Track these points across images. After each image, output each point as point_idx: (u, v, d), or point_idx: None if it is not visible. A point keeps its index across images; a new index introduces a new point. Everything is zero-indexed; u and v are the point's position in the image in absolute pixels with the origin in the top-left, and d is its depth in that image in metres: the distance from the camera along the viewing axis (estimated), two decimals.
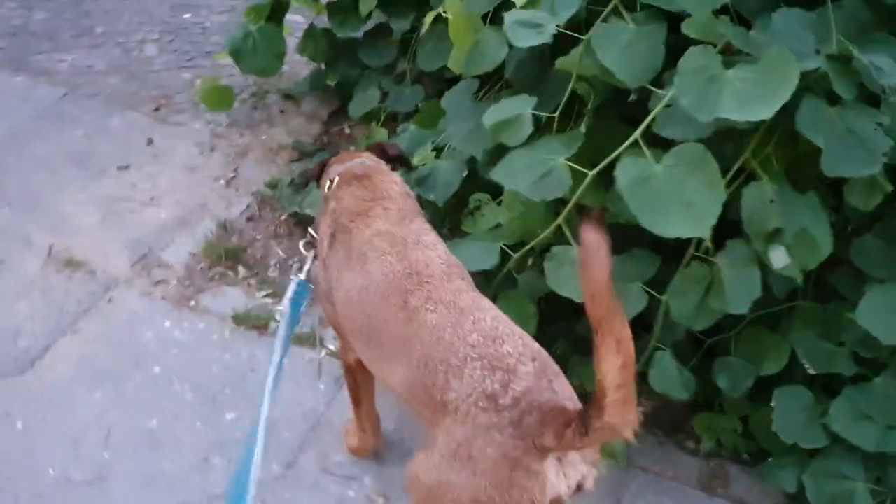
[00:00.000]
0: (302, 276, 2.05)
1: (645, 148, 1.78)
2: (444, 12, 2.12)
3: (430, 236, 1.88)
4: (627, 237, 1.99)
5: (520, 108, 2.01)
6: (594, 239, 1.21)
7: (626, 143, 1.82)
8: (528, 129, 1.99)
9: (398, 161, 2.19)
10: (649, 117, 1.81)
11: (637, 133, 1.80)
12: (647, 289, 1.99)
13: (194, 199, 3.20)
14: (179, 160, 3.37)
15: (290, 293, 2.00)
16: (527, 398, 1.49)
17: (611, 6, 1.87)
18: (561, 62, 1.97)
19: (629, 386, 1.28)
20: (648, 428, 2.55)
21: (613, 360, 1.25)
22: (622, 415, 1.30)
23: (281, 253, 3.04)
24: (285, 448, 2.36)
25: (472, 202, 2.48)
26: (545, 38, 1.90)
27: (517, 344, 1.58)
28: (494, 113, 2.03)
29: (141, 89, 3.77)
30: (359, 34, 3.39)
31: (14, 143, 3.35)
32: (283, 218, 3.18)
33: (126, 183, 3.23)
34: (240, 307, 2.77)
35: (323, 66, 3.58)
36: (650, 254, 2.05)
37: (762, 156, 1.86)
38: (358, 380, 2.17)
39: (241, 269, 2.95)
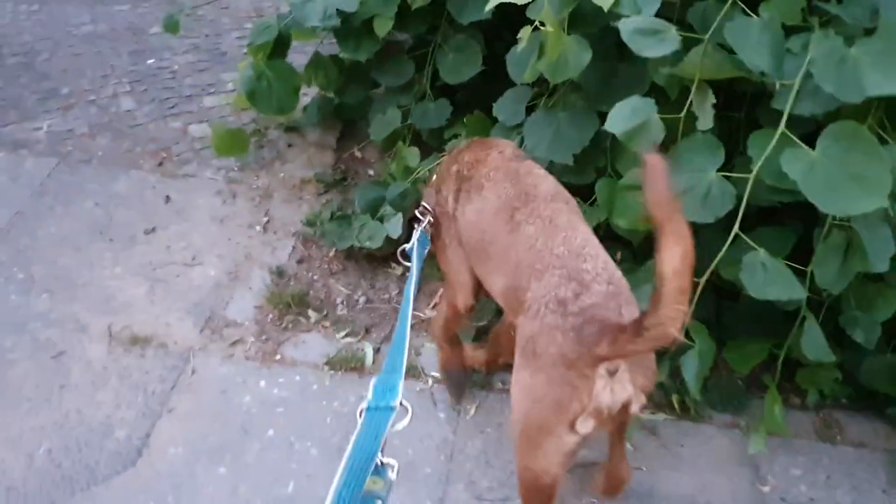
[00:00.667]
0: (420, 230, 2.20)
1: (794, 138, 1.83)
2: (542, 24, 2.11)
3: (542, 170, 2.08)
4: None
5: (643, 112, 2.02)
6: (655, 159, 1.38)
7: (776, 137, 1.86)
8: (661, 133, 2.01)
9: None
10: (787, 108, 1.86)
11: (782, 125, 1.85)
12: (788, 263, 2.04)
13: (237, 251, 3.06)
14: (205, 213, 3.22)
15: (415, 237, 2.15)
16: (591, 311, 1.63)
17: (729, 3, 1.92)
18: (687, 63, 1.98)
19: (687, 275, 1.39)
20: (754, 393, 2.65)
21: (674, 250, 1.37)
22: (677, 304, 1.40)
23: (343, 289, 2.96)
24: (431, 484, 2.31)
25: None
26: (671, 45, 1.91)
27: (598, 266, 1.73)
28: (618, 120, 2.03)
29: (135, 146, 3.57)
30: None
31: (24, 226, 3.11)
32: (332, 254, 3.09)
33: (160, 247, 3.06)
34: (328, 352, 2.69)
35: (331, 94, 3.49)
36: (783, 229, 2.11)
37: (877, 120, 1.95)
38: (455, 324, 2.44)
39: (310, 313, 2.85)
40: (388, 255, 3.03)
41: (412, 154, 3.19)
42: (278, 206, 3.29)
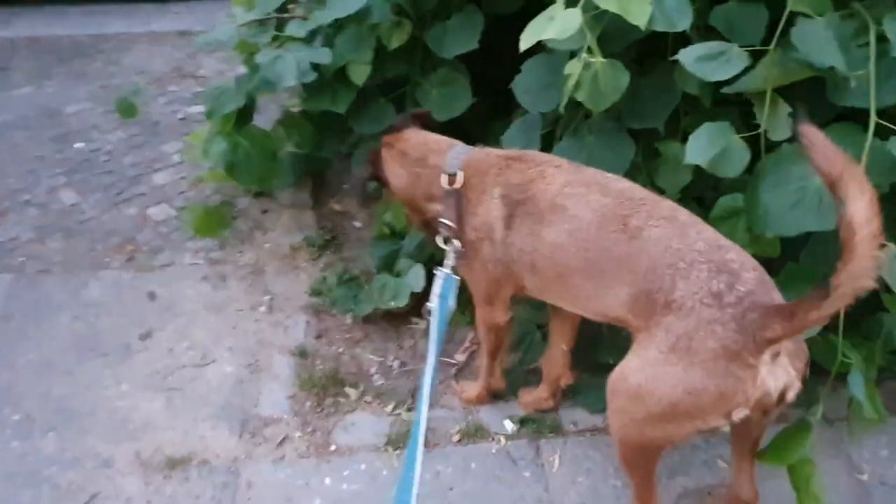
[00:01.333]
0: (447, 270, 2.17)
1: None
2: (591, 56, 2.00)
3: (610, 175, 2.05)
4: None
5: (721, 138, 1.96)
6: (808, 128, 1.51)
7: (871, 127, 1.83)
8: (746, 154, 1.95)
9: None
10: (872, 98, 1.84)
11: (873, 115, 1.83)
12: None
13: (247, 339, 2.81)
14: (198, 304, 2.95)
15: (437, 288, 2.11)
16: (750, 298, 1.66)
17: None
18: (755, 75, 1.93)
19: (877, 221, 1.43)
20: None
21: (861, 199, 1.42)
22: (872, 252, 1.43)
23: (373, 357, 2.77)
24: None
25: None
26: (739, 64, 1.86)
27: (740, 254, 1.77)
28: (698, 151, 1.96)
29: (93, 244, 3.23)
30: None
31: None
32: (349, 322, 2.89)
33: (161, 351, 2.76)
34: (383, 430, 2.50)
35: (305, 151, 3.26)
36: None
37: None
38: (503, 339, 2.41)
39: (348, 390, 2.64)
40: (406, 311, 2.86)
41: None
42: (275, 280, 3.05)
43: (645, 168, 2.42)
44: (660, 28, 2.07)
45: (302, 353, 2.76)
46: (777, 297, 1.70)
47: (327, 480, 2.36)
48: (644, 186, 2.41)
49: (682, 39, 2.26)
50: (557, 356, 2.49)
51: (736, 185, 2.31)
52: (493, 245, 2.15)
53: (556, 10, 2.03)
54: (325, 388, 2.63)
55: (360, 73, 2.84)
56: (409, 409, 2.59)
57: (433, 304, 2.15)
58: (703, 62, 1.91)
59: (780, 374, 1.68)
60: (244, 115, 2.96)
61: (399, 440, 2.46)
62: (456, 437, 2.48)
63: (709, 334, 1.67)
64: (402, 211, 3.02)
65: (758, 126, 2.05)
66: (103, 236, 3.27)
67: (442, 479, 2.36)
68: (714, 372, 1.67)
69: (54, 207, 3.43)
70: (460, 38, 2.78)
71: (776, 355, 1.67)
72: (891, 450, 2.41)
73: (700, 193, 2.39)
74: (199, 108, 4.04)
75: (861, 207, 1.42)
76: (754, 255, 1.83)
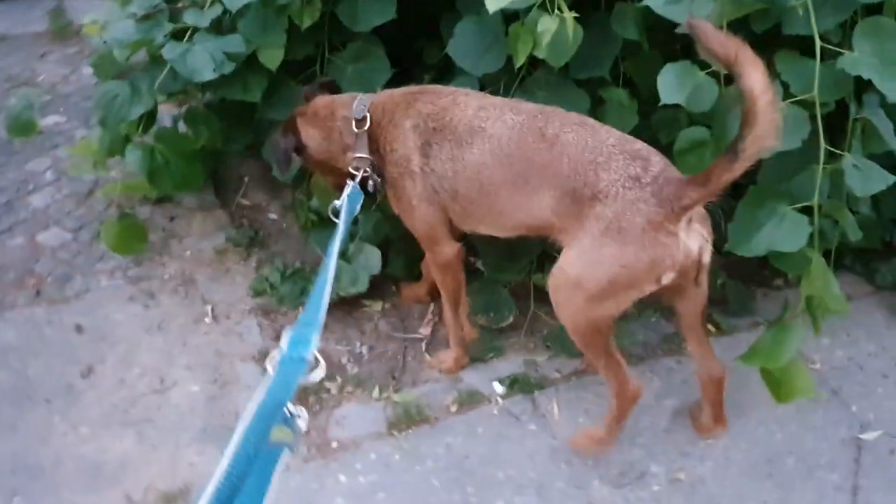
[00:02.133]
0: (355, 184, 2.23)
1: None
2: (557, 9, 2.02)
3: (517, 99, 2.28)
4: None
5: (688, 77, 2.09)
6: (695, 20, 1.78)
7: (818, 50, 2.01)
8: (715, 90, 2.11)
9: None
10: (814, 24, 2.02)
11: (817, 40, 2.01)
12: None
13: (203, 354, 2.63)
14: (135, 327, 2.70)
15: (346, 192, 2.17)
16: (663, 175, 1.92)
17: None
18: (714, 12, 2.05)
19: (772, 89, 1.69)
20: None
21: (755, 70, 1.67)
22: (773, 115, 1.69)
23: (339, 347, 2.70)
24: (571, 494, 2.25)
25: None
26: (706, 6, 2.00)
27: (643, 144, 2.02)
28: (672, 90, 2.07)
29: None
30: None
31: None
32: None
33: (112, 385, 2.52)
34: (379, 417, 2.46)
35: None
36: None
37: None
38: (458, 276, 2.47)
39: (327, 385, 2.56)
40: (356, 297, 2.80)
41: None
42: (210, 287, 2.86)
43: (591, 116, 2.51)
44: None
45: (266, 357, 2.63)
46: (677, 172, 1.96)
47: (342, 478, 2.29)
48: None
49: None
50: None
51: (668, 124, 2.49)
52: (413, 178, 2.25)
53: None
54: (303, 389, 2.53)
55: (273, 58, 2.68)
56: (396, 391, 2.57)
57: (340, 203, 2.14)
58: (671, 5, 2.01)
59: (695, 237, 1.94)
60: (150, 117, 2.73)
61: (400, 422, 2.44)
62: (454, 408, 2.50)
63: (635, 212, 1.90)
64: (326, 190, 2.94)
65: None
66: None
67: (454, 450, 2.37)
68: (644, 244, 1.90)
69: None
70: (374, 8, 2.70)
71: (689, 221, 1.93)
72: (830, 337, 2.71)
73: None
74: (56, 119, 3.69)
75: (758, 79, 1.66)
76: None
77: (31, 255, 2.97)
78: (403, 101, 2.28)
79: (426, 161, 2.22)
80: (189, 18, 2.65)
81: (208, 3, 2.70)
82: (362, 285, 2.70)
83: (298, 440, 1.21)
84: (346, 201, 2.15)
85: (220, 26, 2.70)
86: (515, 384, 2.54)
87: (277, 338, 2.71)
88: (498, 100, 2.24)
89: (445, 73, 2.72)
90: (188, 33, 2.64)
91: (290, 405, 1.23)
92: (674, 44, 2.54)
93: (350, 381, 2.59)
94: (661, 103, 2.11)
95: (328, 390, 2.55)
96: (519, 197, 2.13)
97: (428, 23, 2.87)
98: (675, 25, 2.13)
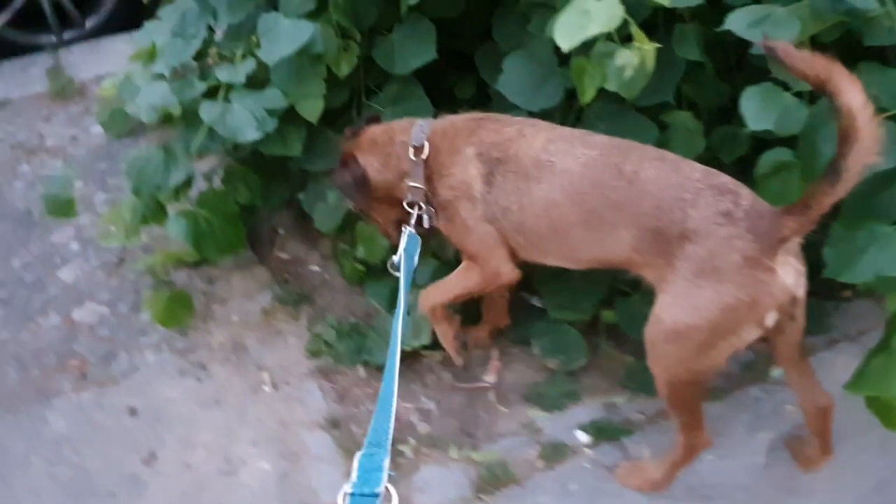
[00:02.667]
0: (411, 228, 2.17)
1: None
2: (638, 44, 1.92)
3: (585, 130, 2.15)
4: None
5: (775, 99, 1.98)
6: (776, 43, 1.70)
7: None
8: (803, 110, 1.98)
9: None
10: None
11: None
12: None
13: (266, 426, 2.50)
14: (190, 404, 2.57)
15: (403, 243, 2.11)
16: (754, 208, 1.81)
17: None
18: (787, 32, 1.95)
19: (872, 105, 1.60)
20: None
21: (853, 88, 1.58)
22: (875, 130, 1.60)
23: (407, 404, 2.56)
24: None
25: None
26: (792, 26, 1.90)
27: (728, 177, 1.90)
28: (760, 116, 1.97)
29: (26, 370, 2.70)
30: None
31: None
32: (363, 374, 2.66)
33: (176, 470, 2.38)
34: (460, 479, 2.34)
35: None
36: None
37: None
38: (489, 292, 2.44)
39: (402, 448, 2.44)
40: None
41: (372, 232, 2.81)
42: (262, 352, 2.73)
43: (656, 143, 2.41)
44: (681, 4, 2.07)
45: (333, 424, 2.51)
46: (769, 205, 1.85)
47: None
48: None
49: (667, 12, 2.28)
50: (497, 299, 2.61)
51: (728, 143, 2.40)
52: (473, 203, 2.16)
53: (587, 3, 1.94)
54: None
55: (312, 110, 2.56)
56: (475, 448, 2.45)
57: (399, 258, 2.10)
58: (754, 27, 1.91)
59: (790, 270, 1.83)
60: (186, 182, 2.60)
61: (486, 484, 2.32)
62: (540, 464, 2.38)
63: (730, 249, 1.79)
64: (373, 241, 2.82)
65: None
66: (33, 358, 2.74)
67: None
68: (743, 282, 1.79)
69: None
70: (412, 50, 2.60)
71: (785, 255, 1.82)
72: None
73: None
74: (78, 185, 3.51)
75: (856, 96, 1.57)
76: None
77: (69, 334, 2.82)
78: (466, 128, 2.20)
79: (489, 189, 2.13)
80: (222, 75, 2.53)
81: (239, 57, 2.59)
82: (426, 337, 2.58)
83: None
84: (405, 255, 2.07)
85: (254, 80, 2.58)
86: (601, 432, 2.42)
87: (341, 400, 2.60)
88: (567, 131, 2.13)
89: (480, 107, 2.60)
90: (222, 90, 2.52)
91: None
92: (727, 60, 2.48)
93: (424, 442, 2.47)
94: (748, 129, 2.00)
95: (402, 453, 2.43)
96: (594, 234, 2.03)
97: (459, 56, 2.79)
98: (730, 42, 2.05)
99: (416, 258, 2.14)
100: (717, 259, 1.81)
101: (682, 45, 2.26)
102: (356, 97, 2.78)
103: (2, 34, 4.50)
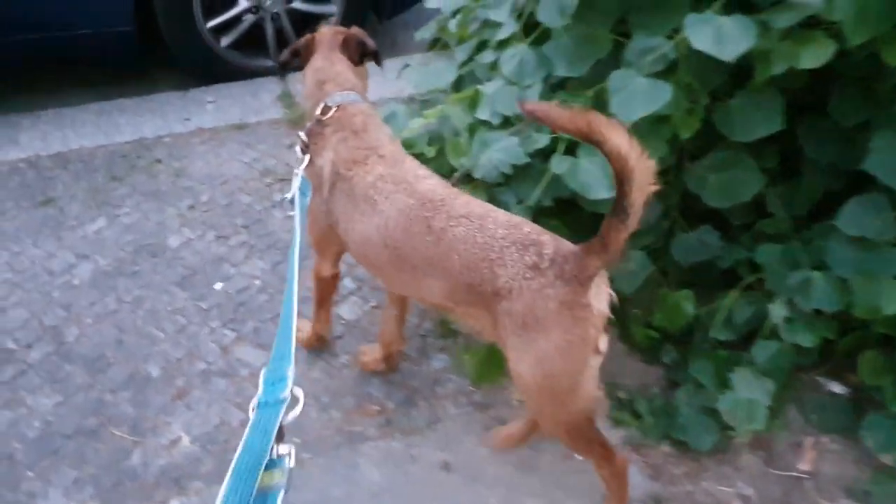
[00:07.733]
0: (301, 171, 2.23)
1: None
2: None
3: (424, 170, 2.17)
4: None
5: None
6: (531, 104, 1.76)
7: None
8: None
9: (374, 57, 2.53)
10: None
11: None
12: None
13: (588, 496, 2.39)
14: (501, 465, 2.48)
15: (295, 184, 2.17)
16: (558, 254, 1.85)
17: None
18: None
19: (637, 142, 1.61)
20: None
21: (616, 133, 1.60)
22: (647, 163, 1.63)
23: (725, 488, 2.44)
24: None
25: None
26: None
27: (529, 223, 1.96)
28: None
29: (327, 410, 2.66)
30: None
31: None
32: (667, 451, 2.54)
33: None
34: None
35: None
36: None
37: None
38: (329, 291, 2.65)
39: None
40: None
41: (685, 297, 2.72)
42: None
43: None
44: None
45: (656, 501, 2.40)
46: (569, 245, 1.89)
47: None
48: None
49: None
50: (390, 321, 2.68)
51: None
52: (320, 197, 2.28)
53: None
54: None
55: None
56: None
57: (293, 194, 2.16)
58: None
59: (602, 297, 1.89)
60: None
61: None
62: None
63: (545, 299, 1.84)
64: (675, 311, 2.72)
65: None
66: (334, 398, 2.71)
67: None
68: (566, 325, 1.84)
69: (242, 373, 2.81)
70: (757, 118, 2.51)
71: (596, 285, 1.88)
72: None
73: None
74: None
75: (621, 139, 1.60)
76: None
77: (363, 375, 2.78)
78: (348, 129, 2.26)
79: (330, 196, 2.25)
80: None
81: None
82: (760, 423, 2.45)
83: (290, 476, 1.20)
84: (298, 194, 2.15)
85: None
86: None
87: (657, 476, 2.49)
88: (404, 172, 2.14)
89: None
90: (560, 145, 2.48)
91: (275, 447, 1.21)
92: None
93: None
94: None
95: None
96: (407, 278, 2.12)
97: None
98: None
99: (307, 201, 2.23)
100: (536, 311, 1.85)
101: None
102: (676, 157, 2.70)
103: (224, 55, 4.60)
